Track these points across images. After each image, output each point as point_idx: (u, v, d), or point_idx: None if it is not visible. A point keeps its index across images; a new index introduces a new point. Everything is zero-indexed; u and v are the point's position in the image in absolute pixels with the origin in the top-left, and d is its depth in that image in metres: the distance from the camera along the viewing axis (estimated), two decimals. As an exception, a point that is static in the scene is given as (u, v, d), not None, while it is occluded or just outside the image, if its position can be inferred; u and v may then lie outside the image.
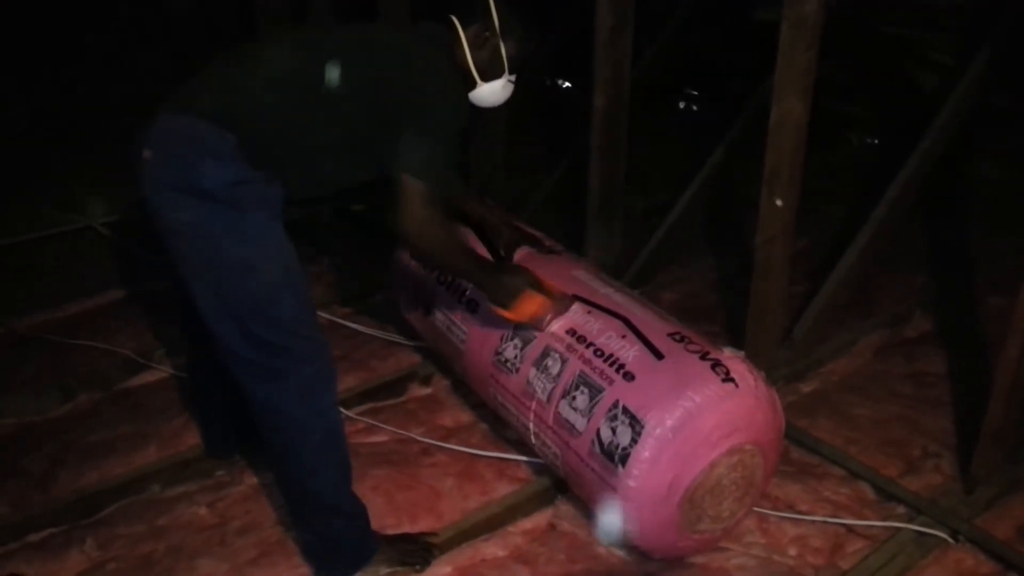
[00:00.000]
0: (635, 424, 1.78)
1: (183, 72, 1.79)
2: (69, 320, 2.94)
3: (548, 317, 2.02)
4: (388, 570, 1.89)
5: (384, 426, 2.39)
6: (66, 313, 2.98)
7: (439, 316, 2.37)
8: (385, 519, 2.03)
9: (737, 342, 2.62)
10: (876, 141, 4.44)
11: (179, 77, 1.78)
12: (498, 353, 2.13)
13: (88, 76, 4.77)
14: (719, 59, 4.53)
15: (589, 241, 2.92)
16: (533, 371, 2.02)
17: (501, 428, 2.40)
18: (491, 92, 1.91)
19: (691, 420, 1.77)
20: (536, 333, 2.05)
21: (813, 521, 2.06)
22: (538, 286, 1.98)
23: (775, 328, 2.49)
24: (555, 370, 1.98)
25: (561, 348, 1.99)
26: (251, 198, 1.65)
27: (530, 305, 1.96)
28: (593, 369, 1.91)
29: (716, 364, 1.84)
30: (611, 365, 1.89)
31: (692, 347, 1.90)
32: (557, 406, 1.95)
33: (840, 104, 4.25)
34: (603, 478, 1.83)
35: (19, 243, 3.44)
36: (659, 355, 1.87)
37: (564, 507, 2.13)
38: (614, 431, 1.81)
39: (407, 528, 2.04)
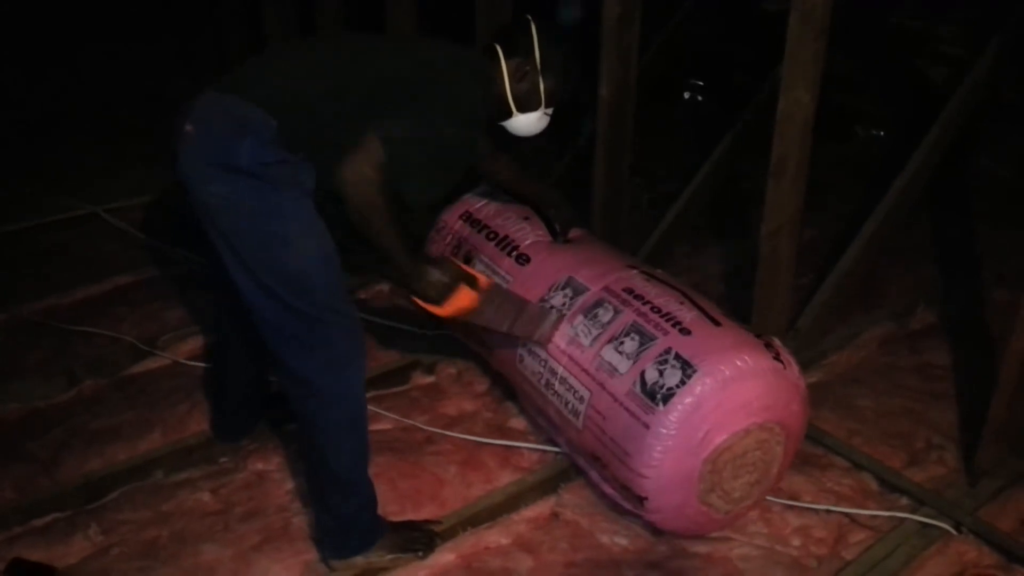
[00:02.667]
0: (687, 368, 1.81)
1: (187, 62, 1.82)
2: (74, 306, 2.94)
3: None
4: (391, 556, 1.90)
5: (387, 414, 2.40)
6: (71, 299, 2.98)
7: (479, 266, 2.32)
8: (388, 506, 2.03)
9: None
10: (883, 134, 4.43)
11: (183, 67, 1.80)
12: (544, 300, 2.12)
13: (94, 67, 4.77)
14: (726, 50, 4.52)
15: (594, 231, 2.91)
16: (580, 318, 2.03)
17: (505, 417, 2.41)
18: (527, 123, 1.98)
19: (742, 378, 1.81)
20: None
21: (816, 511, 2.07)
22: (468, 279, 1.94)
23: (780, 319, 2.48)
24: (605, 318, 1.99)
25: (616, 301, 2.01)
26: (286, 176, 1.68)
27: (460, 300, 1.91)
28: (648, 321, 1.94)
29: (768, 344, 1.90)
30: (667, 320, 1.92)
31: (745, 327, 1.97)
32: (600, 350, 1.95)
33: (847, 96, 4.24)
34: (637, 416, 1.83)
35: (24, 230, 3.44)
36: (716, 323, 1.92)
37: (567, 496, 2.13)
38: (661, 373, 1.83)
39: (410, 515, 2.04)
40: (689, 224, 3.16)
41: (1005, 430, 2.08)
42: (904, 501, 2.09)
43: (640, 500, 1.88)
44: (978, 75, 2.73)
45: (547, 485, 2.15)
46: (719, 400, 1.80)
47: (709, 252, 3.36)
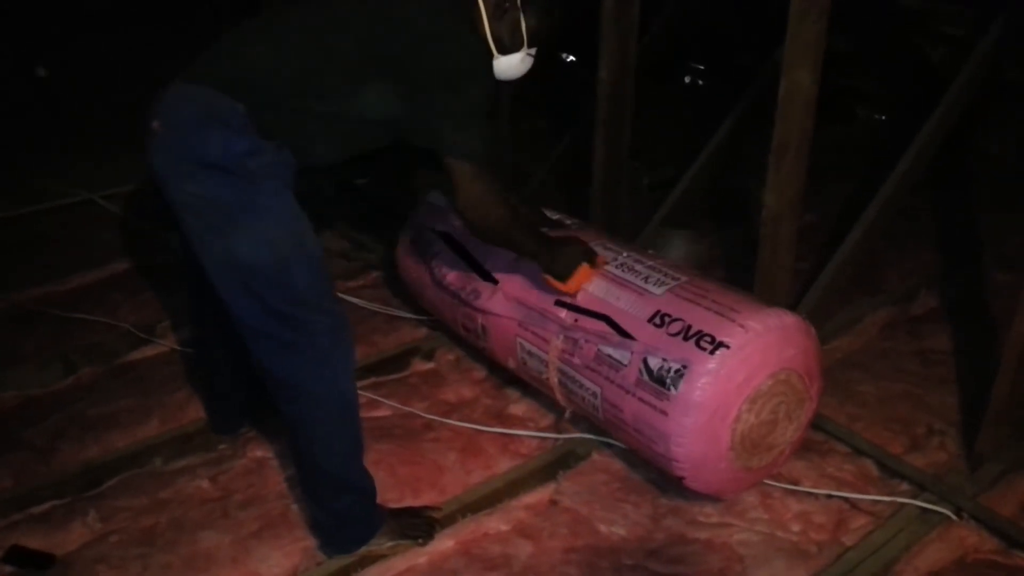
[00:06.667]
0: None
1: (183, 46, 1.78)
2: (70, 293, 2.93)
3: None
4: (391, 543, 1.90)
5: (386, 401, 2.39)
6: (67, 286, 2.97)
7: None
8: (388, 493, 2.03)
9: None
10: (885, 116, 4.40)
11: (179, 51, 1.76)
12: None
13: (88, 49, 4.74)
14: (726, 32, 4.48)
15: (593, 215, 2.89)
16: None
17: (504, 403, 2.40)
18: (509, 65, 1.82)
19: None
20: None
21: (817, 497, 2.06)
22: (590, 257, 2.03)
23: (781, 304, 2.46)
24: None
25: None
26: (262, 168, 1.62)
27: (582, 277, 2.02)
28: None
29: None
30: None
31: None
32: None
33: (849, 78, 4.21)
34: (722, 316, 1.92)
35: (20, 216, 3.42)
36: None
37: (566, 483, 2.12)
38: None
39: (410, 502, 2.04)
40: (689, 208, 3.14)
41: (1006, 415, 2.07)
42: (905, 486, 2.08)
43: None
44: (980, 57, 2.69)
45: (546, 472, 2.15)
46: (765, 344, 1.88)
47: (709, 236, 3.34)
